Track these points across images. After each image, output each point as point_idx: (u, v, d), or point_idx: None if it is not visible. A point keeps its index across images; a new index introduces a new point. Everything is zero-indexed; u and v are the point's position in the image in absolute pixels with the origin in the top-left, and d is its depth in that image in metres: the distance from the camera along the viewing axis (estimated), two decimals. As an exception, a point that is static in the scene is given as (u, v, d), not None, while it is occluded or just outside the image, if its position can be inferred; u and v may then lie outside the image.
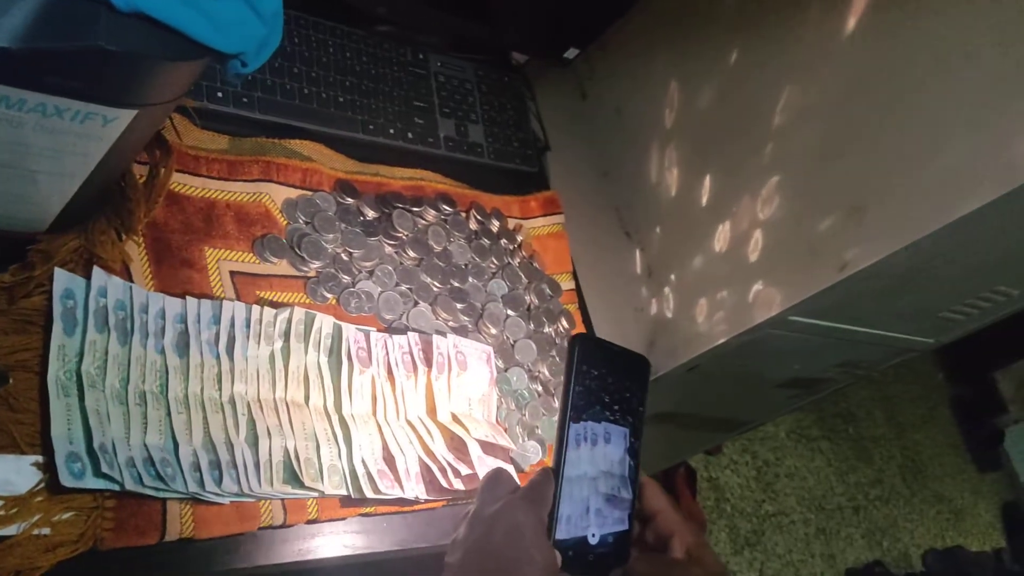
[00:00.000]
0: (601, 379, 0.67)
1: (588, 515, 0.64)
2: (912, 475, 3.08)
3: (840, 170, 0.93)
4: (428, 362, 0.85)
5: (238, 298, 0.78)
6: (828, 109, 0.94)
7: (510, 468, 0.82)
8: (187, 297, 0.73)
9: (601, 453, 0.66)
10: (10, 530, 0.59)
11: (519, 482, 0.67)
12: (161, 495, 0.64)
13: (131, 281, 0.71)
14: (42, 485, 0.61)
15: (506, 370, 0.93)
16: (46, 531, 0.60)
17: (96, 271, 0.68)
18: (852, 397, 3.05)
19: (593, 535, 0.64)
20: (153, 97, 0.56)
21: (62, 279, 0.66)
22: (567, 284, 1.08)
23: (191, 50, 0.53)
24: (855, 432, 3.00)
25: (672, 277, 1.08)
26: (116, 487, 0.62)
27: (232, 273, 0.79)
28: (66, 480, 0.60)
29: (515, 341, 0.95)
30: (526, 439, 0.90)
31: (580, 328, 1.06)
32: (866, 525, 2.81)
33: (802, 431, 2.87)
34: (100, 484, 0.61)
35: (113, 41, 0.50)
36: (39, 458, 0.61)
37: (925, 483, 3.11)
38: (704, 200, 1.06)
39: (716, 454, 2.51)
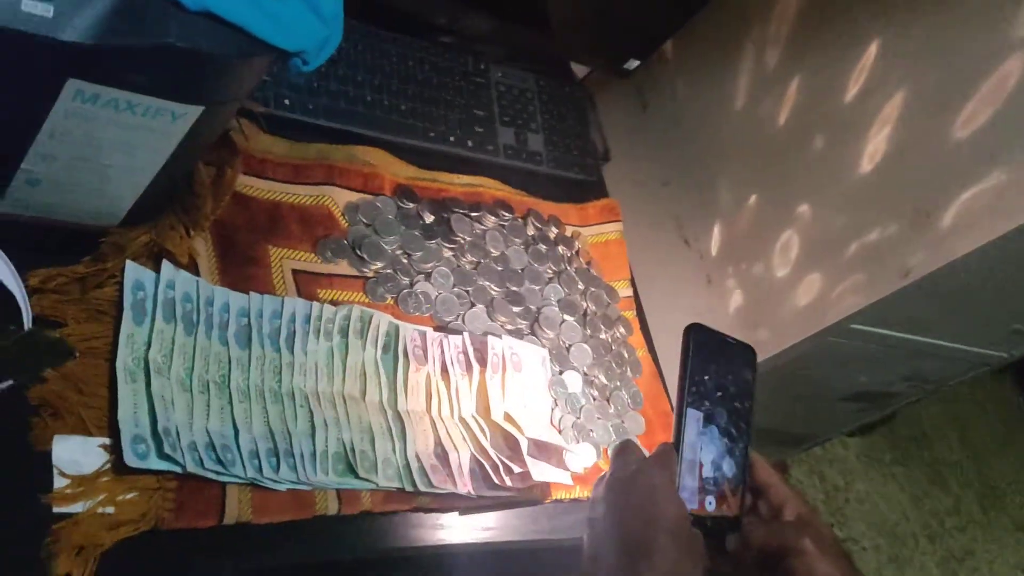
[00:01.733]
0: (685, 365, 0.72)
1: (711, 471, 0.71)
2: (990, 502, 2.97)
3: (906, 174, 0.92)
4: (483, 362, 0.86)
5: (299, 295, 0.80)
6: (894, 113, 0.93)
7: (636, 441, 0.84)
8: (251, 292, 0.76)
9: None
10: (75, 508, 0.61)
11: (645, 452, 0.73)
12: (221, 479, 0.67)
13: (198, 275, 0.74)
14: (108, 466, 0.63)
15: (561, 373, 0.93)
16: (110, 510, 0.62)
17: (165, 264, 0.71)
18: (926, 420, 2.96)
19: (710, 503, 0.70)
20: (220, 94, 0.59)
21: (133, 271, 0.69)
22: (625, 291, 1.08)
23: (255, 48, 0.56)
24: (930, 457, 2.91)
25: (731, 285, 1.08)
26: (178, 469, 0.64)
27: (294, 271, 0.82)
28: (131, 460, 0.62)
29: (570, 345, 0.96)
30: (580, 442, 0.91)
31: (637, 335, 1.06)
32: (941, 553, 2.71)
33: (873, 455, 2.79)
34: (163, 466, 0.64)
35: (183, 38, 0.53)
36: (106, 440, 0.64)
37: (1004, 510, 2.99)
38: (765, 207, 1.05)
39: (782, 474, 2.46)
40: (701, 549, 0.65)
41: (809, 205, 1.00)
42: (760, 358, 1.02)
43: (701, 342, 0.74)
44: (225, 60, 0.55)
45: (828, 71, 0.99)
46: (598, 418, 0.94)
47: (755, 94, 1.07)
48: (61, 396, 0.64)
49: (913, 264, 0.89)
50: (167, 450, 0.64)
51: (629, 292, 1.09)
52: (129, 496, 0.63)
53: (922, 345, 1.10)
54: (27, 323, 0.49)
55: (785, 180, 1.03)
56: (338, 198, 0.88)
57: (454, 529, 0.79)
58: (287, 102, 0.89)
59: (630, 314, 1.07)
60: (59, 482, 0.61)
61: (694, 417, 0.71)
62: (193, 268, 0.75)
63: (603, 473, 0.73)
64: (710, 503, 0.70)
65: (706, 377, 0.73)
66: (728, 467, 0.72)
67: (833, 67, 0.98)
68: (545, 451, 0.84)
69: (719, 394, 0.73)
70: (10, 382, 0.46)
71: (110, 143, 0.59)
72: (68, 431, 0.63)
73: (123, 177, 0.63)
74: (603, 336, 1.00)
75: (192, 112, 0.59)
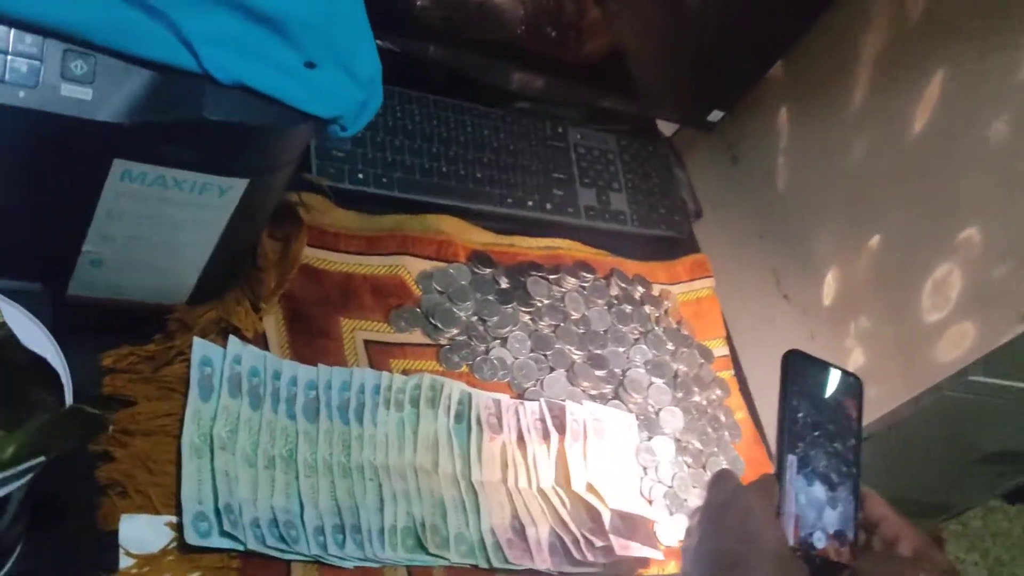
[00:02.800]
0: (783, 397, 0.69)
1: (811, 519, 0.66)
2: None
3: (1019, 209, 0.84)
4: (561, 429, 0.82)
5: (371, 366, 0.80)
6: (1002, 146, 0.86)
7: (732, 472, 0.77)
8: (319, 365, 0.76)
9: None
10: (141, 587, 0.61)
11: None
12: (284, 557, 0.65)
13: (268, 350, 0.75)
14: (173, 544, 0.63)
15: (650, 439, 0.88)
16: (175, 589, 0.62)
17: (232, 339, 0.72)
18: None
19: (819, 539, 0.66)
20: (262, 165, 0.59)
21: (200, 347, 0.70)
22: (720, 351, 1.02)
23: (291, 117, 0.56)
24: (1107, 528, 2.62)
25: (838, 340, 1.00)
26: (240, 547, 0.63)
27: (366, 342, 0.81)
28: (191, 538, 0.62)
29: (659, 409, 0.91)
30: (673, 513, 0.85)
31: (736, 397, 1.00)
32: None
33: (1042, 527, 2.54)
34: (224, 543, 0.63)
35: (217, 112, 0.53)
36: (172, 518, 0.64)
37: None
38: (867, 256, 0.98)
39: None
40: None
41: (914, 251, 0.93)
42: (873, 417, 0.95)
43: (800, 372, 0.69)
44: (262, 131, 0.56)
45: (932, 104, 0.92)
46: (693, 487, 0.88)
47: (849, 137, 1.01)
48: (129, 475, 0.64)
49: (1033, 305, 0.80)
50: (227, 528, 0.63)
51: (725, 351, 1.03)
52: (194, 575, 0.63)
53: (1063, 396, 0.98)
54: (68, 399, 0.50)
55: (886, 226, 0.96)
56: (411, 267, 0.88)
57: (535, 608, 0.75)
58: (361, 176, 0.90)
59: (727, 374, 1.01)
60: (124, 562, 0.61)
61: (788, 463, 0.66)
62: (262, 342, 0.75)
63: (698, 506, 0.70)
64: (819, 539, 0.65)
65: (800, 415, 0.68)
66: (830, 520, 0.66)
67: (935, 98, 0.92)
68: (631, 524, 0.79)
69: (816, 433, 0.68)
70: (42, 459, 0.46)
71: (164, 221, 0.60)
72: (135, 510, 0.63)
73: (182, 254, 0.64)
74: (696, 399, 0.95)
75: (238, 185, 0.59)
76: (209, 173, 0.58)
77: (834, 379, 0.71)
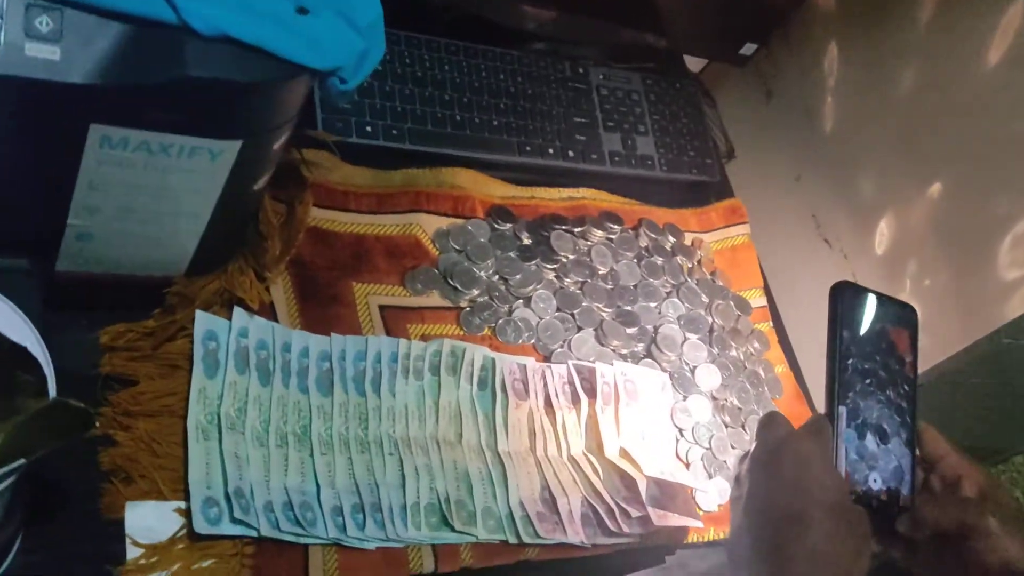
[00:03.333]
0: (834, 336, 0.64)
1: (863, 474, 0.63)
2: None
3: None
4: (592, 393, 0.78)
5: (388, 333, 0.75)
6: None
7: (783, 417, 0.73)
8: (332, 334, 0.71)
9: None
10: (151, 579, 0.58)
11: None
12: (300, 541, 0.61)
13: (276, 320, 0.70)
14: (183, 532, 0.59)
15: (686, 399, 0.84)
16: (187, 580, 0.58)
17: (237, 311, 0.67)
18: None
19: (875, 480, 0.62)
20: (256, 125, 0.54)
21: (203, 321, 0.66)
22: (757, 301, 0.97)
23: (283, 71, 0.51)
24: None
25: (883, 286, 0.94)
26: (253, 533, 0.60)
27: (381, 307, 0.76)
28: (200, 527, 0.58)
29: (695, 367, 0.86)
30: (712, 476, 0.80)
31: (775, 350, 0.95)
32: None
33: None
34: (236, 530, 0.59)
35: (199, 68, 0.48)
36: (181, 504, 0.60)
37: None
38: (925, 201, 0.91)
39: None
40: (865, 528, 0.57)
41: (967, 191, 0.86)
42: (924, 367, 0.89)
43: (850, 307, 0.64)
44: (252, 88, 0.50)
45: (994, 27, 0.84)
46: (732, 447, 0.83)
47: (896, 68, 0.93)
48: (133, 459, 0.60)
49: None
50: (238, 515, 0.59)
51: (763, 302, 0.98)
52: (206, 564, 0.59)
53: None
54: (52, 392, 0.46)
55: (935, 165, 0.89)
56: (427, 225, 0.82)
57: (569, 583, 0.71)
58: (369, 129, 0.84)
59: (765, 326, 0.96)
60: (132, 552, 0.58)
61: (838, 414, 0.62)
62: (270, 313, 0.70)
63: (747, 451, 0.65)
64: (875, 480, 0.61)
65: (850, 360, 0.63)
66: (884, 475, 0.62)
67: (997, 21, 0.83)
68: (668, 492, 0.75)
69: (867, 381, 0.63)
70: (22, 461, 0.42)
71: (152, 189, 0.55)
72: (141, 496, 0.60)
73: (177, 223, 0.60)
74: (734, 353, 0.89)
75: (230, 148, 0.54)
76: (197, 136, 0.52)
77: (887, 311, 0.67)
